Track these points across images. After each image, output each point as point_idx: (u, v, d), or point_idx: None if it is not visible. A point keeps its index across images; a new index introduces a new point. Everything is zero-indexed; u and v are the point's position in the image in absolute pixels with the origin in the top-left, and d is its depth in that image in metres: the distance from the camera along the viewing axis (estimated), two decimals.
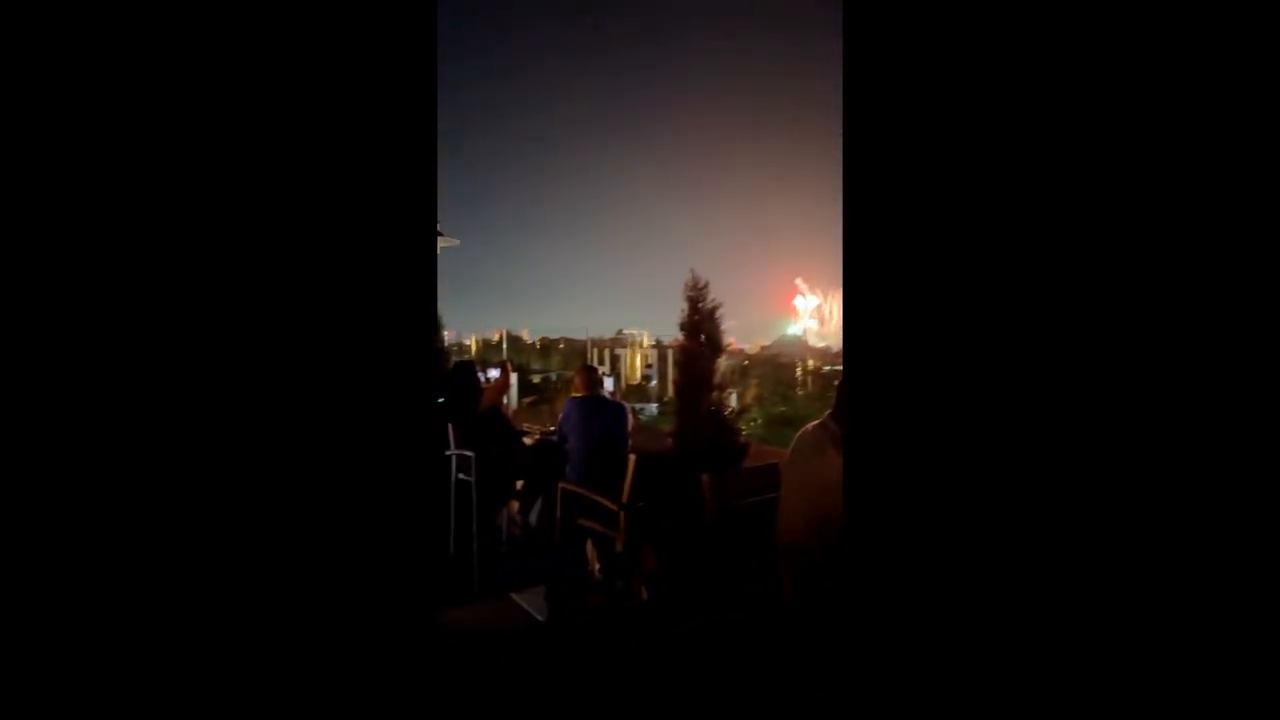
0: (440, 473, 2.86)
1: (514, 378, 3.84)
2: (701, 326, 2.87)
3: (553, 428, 3.17)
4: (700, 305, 2.87)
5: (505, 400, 3.46)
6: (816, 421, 1.65)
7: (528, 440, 3.22)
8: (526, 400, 4.76)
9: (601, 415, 2.93)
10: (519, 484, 3.21)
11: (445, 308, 4.67)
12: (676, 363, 3.05)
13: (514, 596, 2.56)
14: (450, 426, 2.92)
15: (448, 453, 2.89)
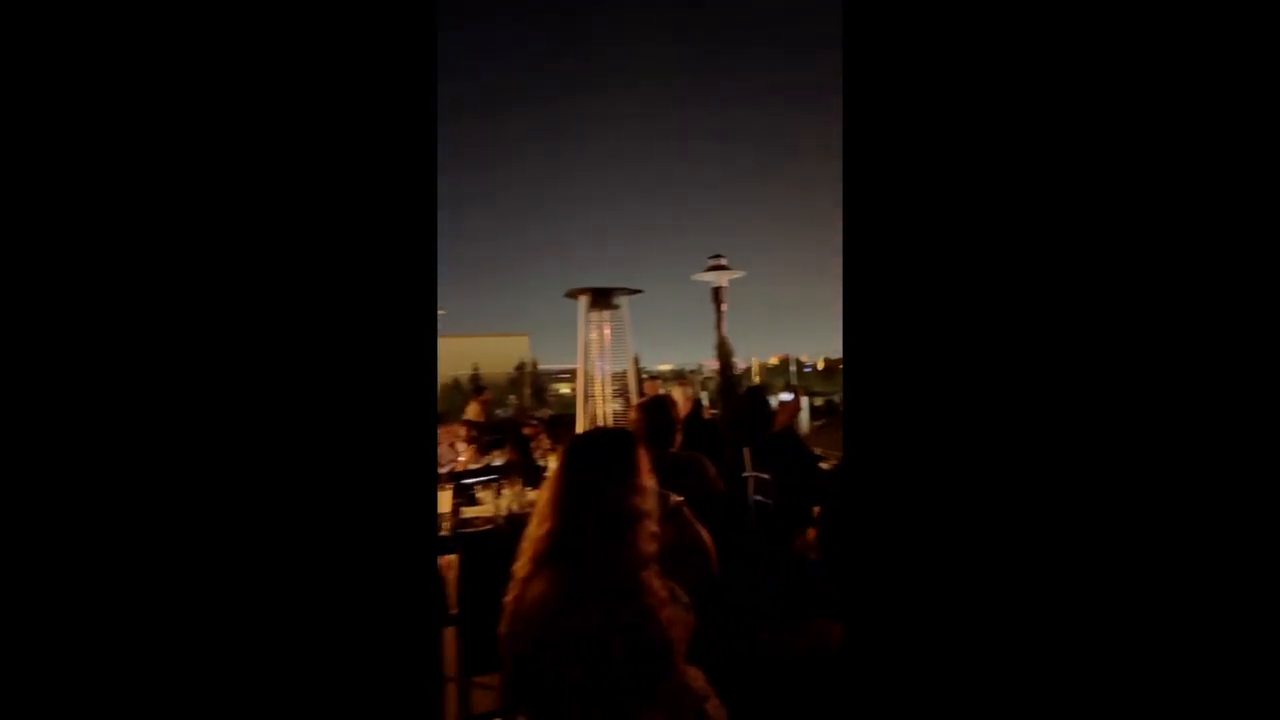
0: (738, 494, 2.98)
1: (804, 401, 3.82)
2: None
3: None
4: None
5: (797, 424, 3.45)
6: None
7: (825, 465, 3.15)
8: (816, 424, 4.66)
9: None
10: (816, 510, 3.15)
11: (730, 335, 4.89)
12: None
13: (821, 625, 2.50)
14: (746, 451, 3.04)
15: (744, 474, 3.01)
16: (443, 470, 3.54)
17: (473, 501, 2.66)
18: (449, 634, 1.96)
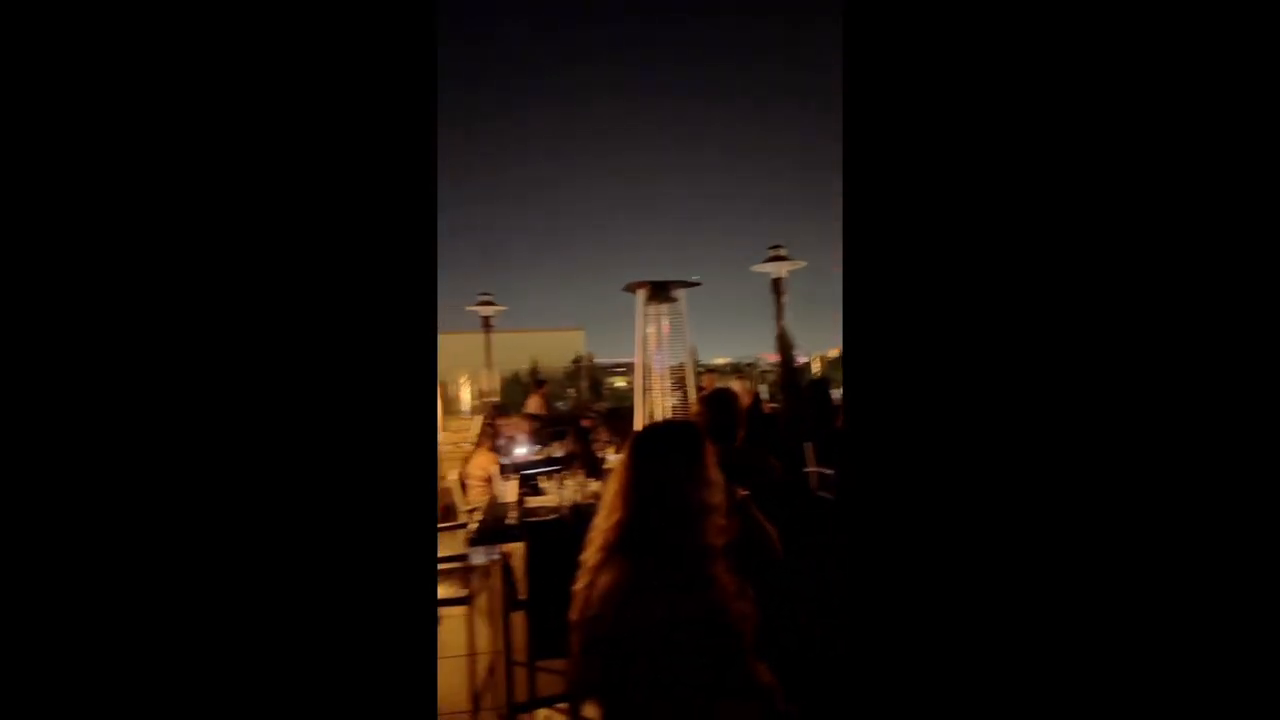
0: (800, 489, 2.93)
1: None
2: None
3: None
4: None
5: None
6: None
7: None
8: None
9: None
10: None
11: (790, 327, 4.80)
12: None
13: None
14: (809, 446, 2.98)
15: (805, 470, 2.95)
16: (505, 461, 3.65)
17: (537, 491, 2.73)
18: (517, 619, 2.02)
